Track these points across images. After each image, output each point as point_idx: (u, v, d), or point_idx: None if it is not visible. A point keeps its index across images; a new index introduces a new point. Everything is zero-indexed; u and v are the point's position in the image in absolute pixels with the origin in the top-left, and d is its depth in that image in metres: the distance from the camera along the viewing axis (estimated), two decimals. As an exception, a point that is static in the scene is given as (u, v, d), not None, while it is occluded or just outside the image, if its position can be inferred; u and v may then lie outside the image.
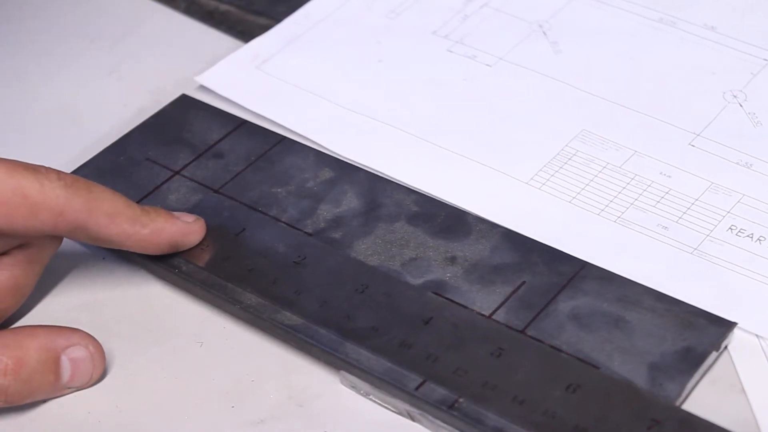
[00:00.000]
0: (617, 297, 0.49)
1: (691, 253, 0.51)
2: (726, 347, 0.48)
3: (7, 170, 0.46)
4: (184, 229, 0.51)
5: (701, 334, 0.48)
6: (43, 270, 0.50)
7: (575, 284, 0.50)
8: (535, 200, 0.54)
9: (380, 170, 0.56)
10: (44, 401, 0.49)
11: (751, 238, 0.52)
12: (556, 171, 0.55)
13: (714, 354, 0.47)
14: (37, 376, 0.47)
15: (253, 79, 0.61)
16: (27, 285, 0.50)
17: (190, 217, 0.52)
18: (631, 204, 0.54)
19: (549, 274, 0.50)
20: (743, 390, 0.47)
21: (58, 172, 0.47)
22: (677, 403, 0.46)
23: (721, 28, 0.62)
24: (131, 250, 0.50)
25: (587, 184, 0.55)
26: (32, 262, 0.49)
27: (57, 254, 0.52)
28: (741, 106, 0.58)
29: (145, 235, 0.49)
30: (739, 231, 0.52)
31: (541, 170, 0.55)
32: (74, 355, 0.48)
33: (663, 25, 0.62)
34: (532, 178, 0.55)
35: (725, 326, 0.48)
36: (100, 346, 0.48)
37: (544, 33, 0.62)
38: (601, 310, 0.49)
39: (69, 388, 0.48)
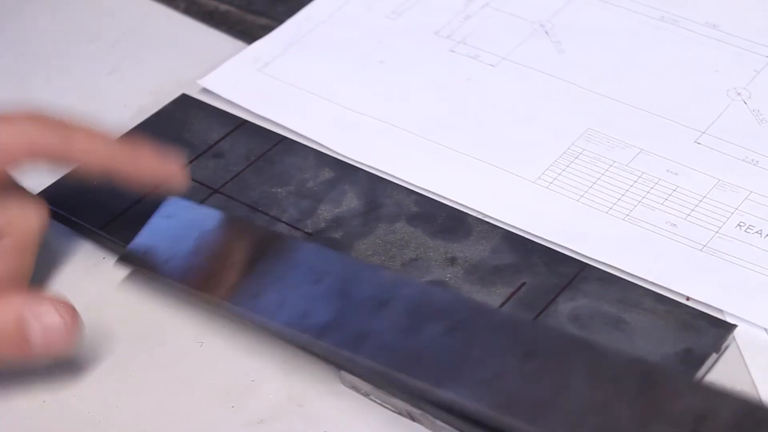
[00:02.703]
0: (617, 298, 0.49)
1: (701, 250, 0.51)
2: (726, 349, 0.48)
3: None
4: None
5: (701, 336, 0.48)
6: (43, 269, 0.50)
7: (575, 285, 0.50)
8: (543, 199, 0.54)
9: (387, 171, 0.56)
10: (43, 401, 0.49)
11: (760, 234, 0.52)
12: (563, 170, 0.55)
13: (714, 356, 0.47)
14: (3, 338, 0.47)
15: (256, 82, 0.61)
16: (24, 272, 0.49)
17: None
18: (639, 202, 0.54)
19: (549, 275, 0.50)
20: (743, 390, 0.47)
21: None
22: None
23: (723, 26, 0.62)
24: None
25: (594, 183, 0.55)
26: (23, 249, 0.49)
27: (57, 254, 0.53)
28: (745, 103, 0.58)
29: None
30: (748, 227, 0.52)
31: (547, 169, 0.55)
32: (46, 320, 0.47)
33: (665, 24, 0.62)
34: (539, 177, 0.55)
35: (725, 328, 0.48)
36: (75, 312, 0.48)
37: (546, 32, 0.62)
38: (601, 311, 0.49)
39: (45, 353, 0.48)
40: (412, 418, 0.47)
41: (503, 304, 0.49)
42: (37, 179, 0.56)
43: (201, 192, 0.55)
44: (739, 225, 0.52)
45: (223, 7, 0.66)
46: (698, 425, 0.41)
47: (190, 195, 0.54)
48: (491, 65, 0.61)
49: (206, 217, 0.52)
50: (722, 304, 0.49)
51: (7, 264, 0.49)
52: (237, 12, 0.65)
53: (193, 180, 0.55)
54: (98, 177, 0.50)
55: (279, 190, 0.55)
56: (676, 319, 0.48)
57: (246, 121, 0.58)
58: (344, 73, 0.61)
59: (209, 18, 0.65)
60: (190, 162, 0.56)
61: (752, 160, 0.55)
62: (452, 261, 0.51)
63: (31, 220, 0.49)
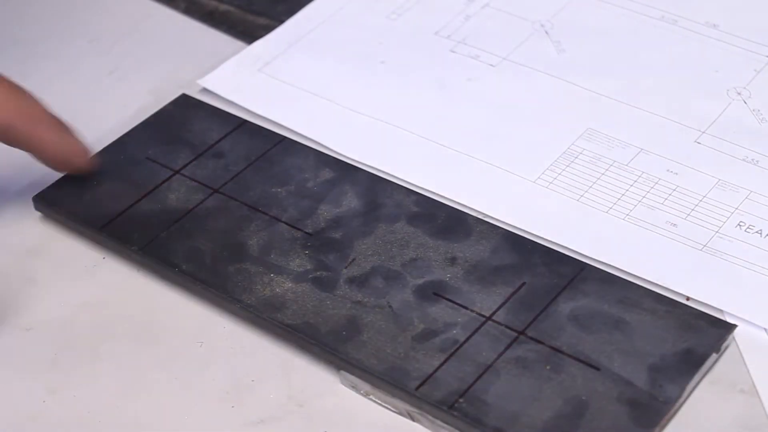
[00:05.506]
0: (617, 299, 0.49)
1: (701, 250, 0.51)
2: (726, 348, 0.48)
3: None
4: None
5: (701, 336, 0.48)
6: (43, 269, 0.50)
7: (575, 285, 0.50)
8: (543, 199, 0.54)
9: (387, 171, 0.56)
10: (43, 401, 0.49)
11: (760, 234, 0.52)
12: (563, 170, 0.55)
13: (714, 356, 0.47)
14: None
15: (256, 82, 0.61)
16: None
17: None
18: (639, 201, 0.54)
19: (549, 275, 0.50)
20: (743, 390, 0.47)
21: None
22: (677, 405, 0.46)
23: (723, 26, 0.62)
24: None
25: (594, 182, 0.55)
26: None
27: (57, 254, 0.52)
28: (745, 102, 0.58)
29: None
30: (748, 227, 0.52)
31: (547, 169, 0.55)
32: None
33: (665, 23, 0.62)
34: (539, 177, 0.55)
35: (725, 328, 0.48)
36: None
37: (547, 32, 0.62)
38: (601, 311, 0.49)
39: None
40: (412, 418, 0.47)
41: (503, 304, 0.49)
42: (38, 179, 0.56)
43: (201, 192, 0.55)
44: (739, 225, 0.52)
45: (223, 7, 0.66)
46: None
47: (190, 195, 0.55)
48: (491, 65, 0.61)
49: None
50: (722, 304, 0.49)
51: None
52: (237, 12, 0.65)
53: (193, 180, 0.55)
54: None
55: (279, 190, 0.55)
56: (676, 319, 0.48)
57: (246, 121, 0.58)
58: (344, 73, 0.61)
59: (209, 18, 0.65)
60: (190, 162, 0.56)
61: (752, 159, 0.55)
62: (452, 261, 0.51)
63: None
